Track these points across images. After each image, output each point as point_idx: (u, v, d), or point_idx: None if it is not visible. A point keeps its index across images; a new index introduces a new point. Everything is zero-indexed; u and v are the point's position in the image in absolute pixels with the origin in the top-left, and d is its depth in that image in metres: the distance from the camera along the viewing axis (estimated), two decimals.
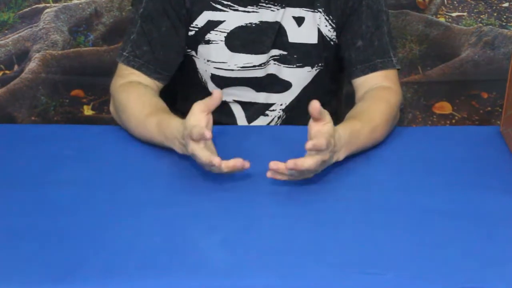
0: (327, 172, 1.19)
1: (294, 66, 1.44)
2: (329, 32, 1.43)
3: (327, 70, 1.48)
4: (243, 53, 1.42)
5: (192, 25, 1.41)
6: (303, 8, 1.41)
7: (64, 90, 2.26)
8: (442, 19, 2.26)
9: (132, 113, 1.31)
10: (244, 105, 1.49)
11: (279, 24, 1.41)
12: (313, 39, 1.43)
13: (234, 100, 1.48)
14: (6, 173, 1.21)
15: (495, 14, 2.24)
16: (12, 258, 1.00)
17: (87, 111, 2.29)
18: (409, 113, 2.31)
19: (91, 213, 1.10)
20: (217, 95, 1.15)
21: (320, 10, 1.41)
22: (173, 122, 1.23)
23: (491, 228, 1.08)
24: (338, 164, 1.22)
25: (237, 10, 1.40)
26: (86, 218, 1.09)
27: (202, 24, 1.41)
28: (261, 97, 1.48)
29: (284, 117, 1.50)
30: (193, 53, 1.45)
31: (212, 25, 1.40)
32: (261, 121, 1.50)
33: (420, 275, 0.98)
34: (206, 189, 1.17)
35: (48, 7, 2.22)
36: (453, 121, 2.32)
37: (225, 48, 1.42)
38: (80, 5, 2.23)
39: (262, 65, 1.43)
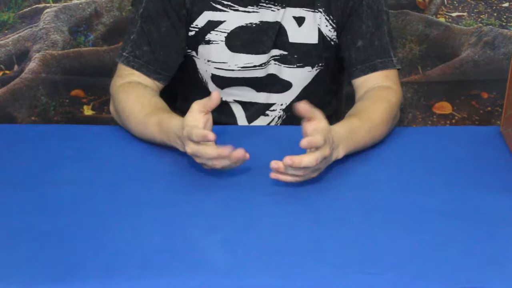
0: (327, 171, 1.19)
1: (295, 66, 1.44)
2: (329, 32, 1.43)
3: (328, 70, 1.48)
4: (243, 53, 1.42)
5: (192, 25, 1.41)
6: (304, 8, 1.41)
7: (64, 90, 2.26)
8: (442, 19, 2.26)
9: (132, 112, 1.31)
10: (245, 105, 1.49)
11: (280, 24, 1.41)
12: (314, 39, 1.43)
13: (234, 100, 1.48)
14: (6, 173, 1.21)
15: (495, 14, 2.24)
16: (12, 258, 1.00)
17: (87, 111, 2.29)
18: (409, 113, 2.31)
19: (91, 213, 1.10)
20: (216, 96, 1.15)
21: (321, 10, 1.41)
22: (174, 121, 1.23)
23: (491, 228, 1.08)
24: (338, 163, 1.22)
25: (237, 10, 1.40)
26: (86, 218, 1.09)
27: (202, 24, 1.41)
28: (262, 97, 1.48)
29: (284, 117, 1.50)
30: (194, 53, 1.45)
31: (212, 25, 1.40)
32: (261, 121, 1.50)
33: (420, 275, 0.98)
34: (206, 188, 1.17)
35: (48, 7, 2.22)
36: (453, 121, 2.32)
37: (226, 48, 1.42)
38: (80, 5, 2.23)
39: (263, 65, 1.43)
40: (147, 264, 0.99)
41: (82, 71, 2.25)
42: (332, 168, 1.21)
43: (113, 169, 1.23)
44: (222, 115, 1.45)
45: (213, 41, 1.41)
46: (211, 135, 1.11)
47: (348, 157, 1.24)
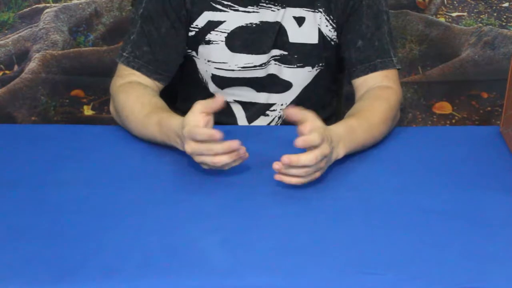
0: (327, 171, 1.19)
1: (295, 66, 1.44)
2: (329, 32, 1.43)
3: (328, 70, 1.48)
4: (243, 53, 1.42)
5: (192, 26, 1.41)
6: (304, 8, 1.41)
7: (64, 90, 2.26)
8: (442, 19, 2.26)
9: (132, 112, 1.31)
10: (245, 105, 1.49)
11: (280, 24, 1.41)
12: (314, 39, 1.43)
13: (234, 100, 1.48)
14: (6, 173, 1.21)
15: (495, 14, 2.24)
16: (12, 258, 1.00)
17: (87, 111, 2.30)
18: (409, 113, 2.31)
19: (91, 213, 1.10)
20: (220, 100, 1.15)
21: (321, 10, 1.41)
22: (174, 120, 1.23)
23: (491, 228, 1.08)
24: (338, 163, 1.22)
25: (237, 10, 1.40)
26: (86, 218, 1.09)
27: (202, 25, 1.41)
28: (262, 97, 1.48)
29: (284, 117, 1.50)
30: (194, 53, 1.45)
31: (212, 25, 1.40)
32: (261, 121, 1.50)
33: (420, 275, 0.98)
34: (206, 188, 1.17)
35: (48, 7, 2.22)
36: (453, 121, 2.32)
37: (226, 48, 1.42)
38: (80, 5, 2.23)
39: (263, 65, 1.43)
40: (147, 264, 0.99)
41: (82, 71, 2.25)
42: (332, 168, 1.21)
43: (113, 169, 1.23)
44: (222, 115, 1.44)
45: (213, 41, 1.41)
46: (218, 134, 1.11)
47: (348, 157, 1.24)
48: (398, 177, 1.22)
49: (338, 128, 1.22)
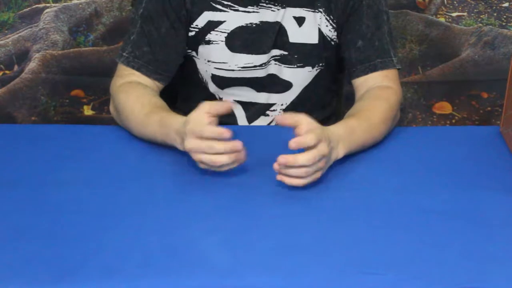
0: (327, 172, 1.19)
1: (295, 66, 1.44)
2: (329, 32, 1.43)
3: (328, 70, 1.48)
4: (243, 53, 1.42)
5: (192, 26, 1.41)
6: (304, 8, 1.41)
7: (64, 90, 2.26)
8: (442, 19, 2.26)
9: (132, 111, 1.31)
10: (245, 105, 1.49)
11: (280, 24, 1.41)
12: (314, 39, 1.43)
13: (234, 100, 1.48)
14: (6, 173, 1.21)
15: (495, 14, 2.25)
16: (12, 258, 1.00)
17: (87, 111, 2.30)
18: (409, 113, 2.31)
19: (91, 213, 1.10)
20: (228, 105, 1.15)
21: (321, 10, 1.41)
22: (175, 118, 1.23)
23: (491, 228, 1.08)
24: (338, 163, 1.22)
25: (237, 10, 1.40)
26: (86, 218, 1.09)
27: (202, 25, 1.41)
28: (262, 97, 1.48)
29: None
30: (194, 53, 1.45)
31: (212, 25, 1.40)
32: (261, 121, 1.50)
33: (420, 275, 0.98)
34: (206, 188, 1.17)
35: (48, 7, 2.22)
36: (453, 121, 2.33)
37: (226, 48, 1.42)
38: (80, 5, 2.23)
39: (263, 65, 1.43)
40: (147, 264, 0.99)
41: (82, 71, 2.25)
42: (332, 168, 1.21)
43: (113, 169, 1.23)
44: (222, 115, 1.44)
45: (213, 41, 1.41)
46: (227, 133, 1.11)
47: (348, 157, 1.24)
48: (398, 177, 1.22)
49: (337, 128, 1.22)
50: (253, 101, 1.48)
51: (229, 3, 1.39)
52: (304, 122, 1.13)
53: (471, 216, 1.11)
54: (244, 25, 1.41)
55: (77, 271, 0.97)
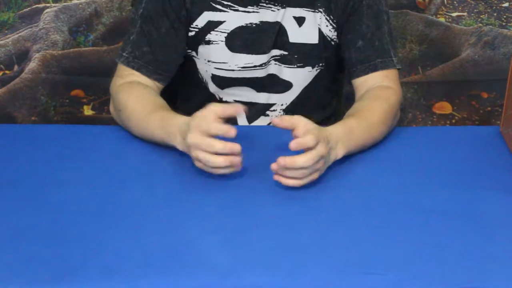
0: (327, 171, 1.19)
1: (295, 66, 1.44)
2: (329, 32, 1.43)
3: (328, 70, 1.48)
4: (243, 53, 1.42)
5: (192, 26, 1.41)
6: (304, 8, 1.41)
7: (64, 90, 2.26)
8: (442, 19, 2.26)
9: (134, 109, 1.31)
10: (245, 105, 1.48)
11: (280, 24, 1.41)
12: (314, 39, 1.43)
13: (234, 100, 1.48)
14: (6, 173, 1.21)
15: (495, 14, 2.25)
16: (12, 258, 1.00)
17: (87, 111, 2.30)
18: (409, 113, 2.31)
19: (91, 213, 1.10)
20: (240, 110, 1.15)
21: (321, 10, 1.41)
22: (178, 118, 1.23)
23: (491, 228, 1.08)
24: (338, 163, 1.22)
25: (237, 10, 1.40)
26: (86, 218, 1.09)
27: (202, 25, 1.41)
28: (262, 97, 1.48)
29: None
30: (194, 53, 1.45)
31: (212, 25, 1.40)
32: (261, 121, 1.50)
33: (420, 275, 0.98)
34: (206, 188, 1.17)
35: (48, 7, 2.22)
36: (453, 121, 2.33)
37: (226, 48, 1.42)
38: (80, 5, 2.23)
39: (263, 65, 1.43)
40: (147, 264, 0.99)
41: (82, 71, 2.25)
42: (332, 168, 1.21)
43: (113, 169, 1.23)
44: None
45: (213, 41, 1.41)
46: (233, 130, 1.11)
47: (348, 157, 1.24)
48: (398, 177, 1.22)
49: (336, 129, 1.22)
50: (253, 101, 1.48)
51: (229, 3, 1.39)
52: (301, 123, 1.13)
53: (471, 216, 1.11)
54: (244, 25, 1.40)
55: (77, 271, 0.97)
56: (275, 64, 1.44)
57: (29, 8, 2.22)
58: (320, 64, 1.46)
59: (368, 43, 1.41)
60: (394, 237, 1.05)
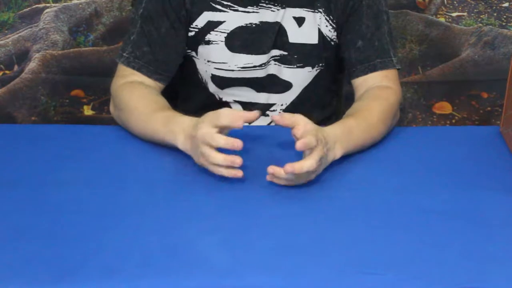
0: (326, 172, 1.19)
1: (295, 66, 1.44)
2: (329, 32, 1.43)
3: (328, 70, 1.48)
4: (243, 53, 1.42)
5: (192, 26, 1.41)
6: (303, 8, 1.41)
7: (64, 90, 2.26)
8: (442, 19, 2.26)
9: (136, 108, 1.31)
10: (245, 105, 1.49)
11: (279, 25, 1.41)
12: (314, 40, 1.43)
13: (234, 101, 1.48)
14: (6, 173, 1.21)
15: (495, 14, 2.24)
16: (12, 258, 1.00)
17: (87, 111, 2.30)
18: (409, 113, 2.31)
19: (91, 213, 1.10)
20: (255, 115, 1.16)
21: (321, 10, 1.41)
22: (182, 117, 1.23)
23: (491, 228, 1.08)
24: (337, 163, 1.22)
25: (237, 10, 1.40)
26: (86, 218, 1.09)
27: (202, 25, 1.41)
28: (262, 98, 1.48)
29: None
30: (193, 53, 1.45)
31: (212, 25, 1.40)
32: (261, 121, 1.49)
33: (420, 275, 0.98)
34: (206, 188, 1.17)
35: (48, 7, 2.22)
36: (453, 121, 2.32)
37: (225, 48, 1.42)
38: (80, 5, 2.23)
39: (263, 65, 1.43)
40: (147, 264, 0.99)
41: (82, 71, 2.25)
42: (331, 168, 1.21)
43: (113, 169, 1.23)
44: None
45: (213, 41, 1.41)
46: (239, 142, 1.12)
47: (347, 157, 1.24)
48: (398, 177, 1.22)
49: (334, 129, 1.22)
50: (253, 101, 1.48)
51: (229, 3, 1.39)
52: (301, 122, 1.13)
53: (471, 216, 1.11)
54: (244, 25, 1.40)
55: (77, 271, 0.97)
56: (275, 64, 1.44)
57: (29, 8, 2.22)
58: (320, 64, 1.46)
59: (368, 43, 1.41)
60: (394, 237, 1.05)
